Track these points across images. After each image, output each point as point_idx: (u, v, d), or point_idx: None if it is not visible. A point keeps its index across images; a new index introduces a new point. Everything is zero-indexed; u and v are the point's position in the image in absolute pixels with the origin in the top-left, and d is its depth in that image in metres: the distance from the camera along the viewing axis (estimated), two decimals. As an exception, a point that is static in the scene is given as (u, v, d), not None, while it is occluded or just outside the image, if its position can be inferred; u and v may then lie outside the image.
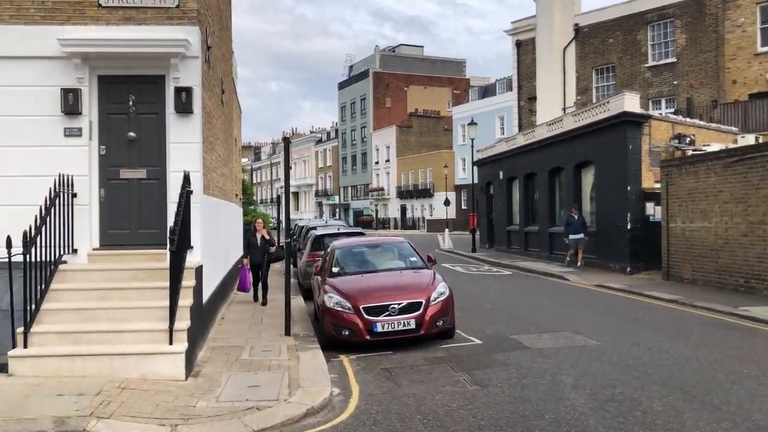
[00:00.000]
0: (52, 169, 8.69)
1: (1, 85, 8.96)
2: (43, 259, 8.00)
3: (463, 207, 61.52)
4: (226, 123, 14.62)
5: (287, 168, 10.70)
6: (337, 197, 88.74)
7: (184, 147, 9.23)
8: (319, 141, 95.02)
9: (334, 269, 11.45)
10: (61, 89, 9.00)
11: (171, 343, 7.68)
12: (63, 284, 8.42)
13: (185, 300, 8.24)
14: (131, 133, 9.33)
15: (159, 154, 9.38)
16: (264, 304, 13.88)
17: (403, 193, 73.25)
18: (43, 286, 8.12)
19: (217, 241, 11.63)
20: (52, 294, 8.20)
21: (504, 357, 9.16)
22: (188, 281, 8.52)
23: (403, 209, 73.84)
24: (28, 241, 7.57)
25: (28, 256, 7.50)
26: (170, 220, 8.41)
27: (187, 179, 8.74)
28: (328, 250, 12.70)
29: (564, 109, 31.35)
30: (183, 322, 7.94)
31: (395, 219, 73.80)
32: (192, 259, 9.07)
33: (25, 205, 8.27)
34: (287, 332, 10.54)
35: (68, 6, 9.07)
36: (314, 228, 21.32)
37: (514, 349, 9.68)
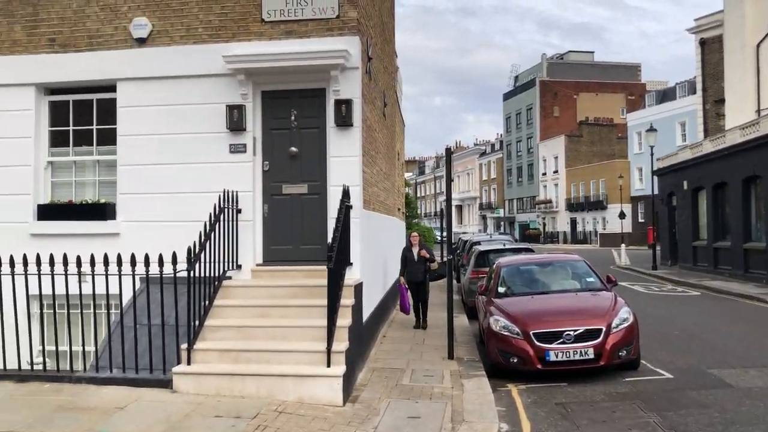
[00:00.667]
0: (217, 186, 8.78)
1: (173, 104, 9.22)
2: (209, 274, 8.01)
3: (640, 220, 57.48)
4: (388, 137, 14.35)
5: (449, 180, 10.09)
6: (501, 210, 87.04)
7: (343, 161, 8.95)
8: (483, 153, 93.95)
9: (500, 289, 10.63)
10: (227, 106, 9.09)
11: (329, 365, 7.31)
12: (226, 300, 8.39)
13: (343, 320, 7.87)
14: (293, 148, 9.21)
15: (320, 169, 9.18)
16: (424, 327, 12.69)
17: (573, 206, 70.09)
18: (207, 303, 8.14)
19: (377, 257, 11.28)
20: (216, 310, 8.19)
21: (702, 396, 7.83)
22: (347, 299, 8.16)
23: (573, 222, 70.62)
24: (193, 258, 7.59)
25: (192, 272, 7.52)
26: (330, 236, 8.11)
27: (346, 194, 8.42)
28: (494, 267, 11.89)
29: (758, 111, 27.98)
30: (341, 343, 7.56)
31: (564, 233, 70.78)
32: (351, 276, 8.73)
33: (192, 221, 8.39)
34: (450, 356, 9.89)
35: (233, 23, 9.16)
36: (478, 243, 20.57)
37: (714, 386, 8.28)
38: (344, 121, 8.90)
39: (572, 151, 72.24)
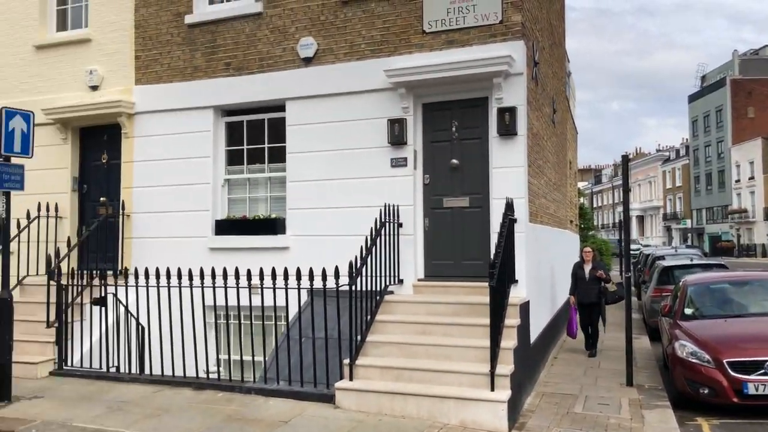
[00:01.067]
0: (379, 200, 8.75)
1: (336, 121, 9.36)
2: (371, 288, 7.97)
3: None
4: (558, 145, 13.63)
5: (626, 190, 9.25)
6: (688, 221, 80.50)
7: (507, 172, 8.52)
8: (667, 160, 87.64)
9: (687, 311, 9.54)
10: (388, 120, 9.04)
11: (492, 389, 6.89)
12: (388, 315, 8.28)
13: (508, 341, 7.43)
14: (454, 160, 8.94)
15: (482, 181, 8.81)
16: (593, 355, 11.29)
17: (773, 215, 63.05)
18: (369, 317, 8.08)
19: (546, 274, 10.64)
20: (377, 325, 8.10)
21: None
22: (511, 319, 7.70)
23: (773, 234, 63.54)
24: (354, 272, 7.57)
25: (354, 286, 7.51)
26: (493, 251, 7.70)
27: (509, 206, 7.99)
28: (680, 285, 10.75)
29: None
30: (506, 366, 7.12)
31: (763, 245, 63.84)
32: (516, 293, 8.25)
33: (357, 234, 8.41)
34: (629, 382, 9.02)
35: (394, 37, 9.11)
36: (661, 258, 18.96)
37: None
38: (507, 129, 8.47)
39: (771, 154, 65.08)
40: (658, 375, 9.93)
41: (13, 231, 9.16)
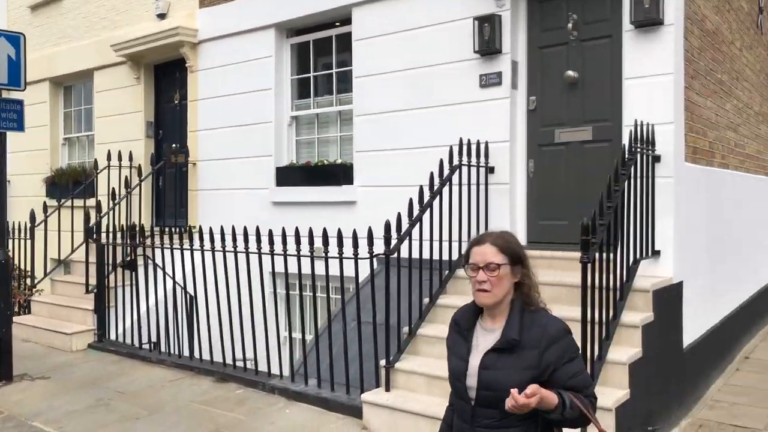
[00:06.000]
0: (465, 134, 6.22)
1: (409, 29, 6.91)
2: (432, 258, 5.60)
3: None
4: (767, 64, 9.76)
5: None
6: None
7: (646, 84, 5.49)
8: None
9: None
10: (474, 19, 6.37)
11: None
12: (457, 298, 5.79)
13: (623, 348, 4.64)
14: (570, 72, 6.07)
15: (612, 102, 5.87)
16: None
17: None
18: (427, 300, 5.70)
19: (730, 241, 7.28)
20: (438, 312, 5.65)
21: None
22: (635, 314, 4.85)
23: None
24: (401, 236, 5.25)
25: (398, 255, 5.21)
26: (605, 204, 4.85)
27: (642, 136, 5.07)
28: None
29: None
30: (606, 396, 4.34)
31: None
32: (655, 271, 5.32)
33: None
34: None
35: None
36: None
37: None
38: (647, 16, 5.42)
39: None
40: None
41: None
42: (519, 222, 6.39)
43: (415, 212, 5.48)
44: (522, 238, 6.38)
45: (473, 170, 6.12)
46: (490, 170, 6.29)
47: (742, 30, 7.84)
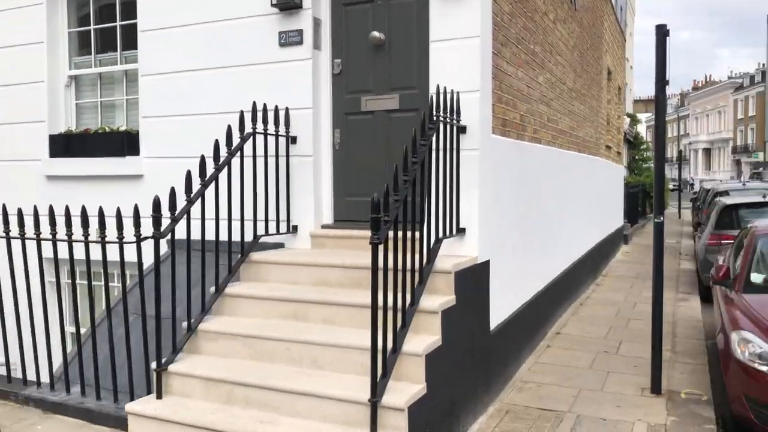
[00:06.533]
0: (265, 99, 5.49)
1: (198, -24, 6.02)
2: (220, 240, 4.85)
3: None
4: (582, 40, 9.92)
5: (661, 66, 5.64)
6: (760, 154, 73.69)
7: (451, 48, 5.06)
8: (740, 87, 79.91)
9: (755, 277, 6.03)
10: (271, -31, 5.64)
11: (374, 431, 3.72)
12: (250, 286, 5.11)
13: (420, 337, 4.19)
14: (376, 33, 5.53)
15: (419, 67, 5.40)
16: None
17: None
18: (213, 288, 4.96)
19: (540, 217, 7.19)
20: (227, 303, 4.96)
21: None
22: (436, 297, 4.43)
23: None
24: (175, 215, 4.44)
25: (172, 238, 4.40)
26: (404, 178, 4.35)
27: (446, 105, 4.62)
28: (746, 234, 7.18)
29: None
30: (406, 386, 3.90)
31: None
32: (461, 251, 4.95)
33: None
34: (655, 389, 5.68)
35: None
36: (724, 193, 15.10)
37: None
38: (453, -26, 4.99)
39: None
40: (706, 368, 6.56)
41: None
42: (325, 198, 5.80)
43: (196, 188, 4.69)
44: (328, 216, 5.81)
45: (272, 140, 5.43)
46: (292, 140, 5.63)
47: (555, 3, 7.75)
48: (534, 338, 6.90)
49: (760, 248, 6.32)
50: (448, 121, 4.69)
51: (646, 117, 71.69)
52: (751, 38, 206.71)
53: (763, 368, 4.72)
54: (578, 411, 5.27)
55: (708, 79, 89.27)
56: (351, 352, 4.18)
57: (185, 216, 4.54)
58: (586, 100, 10.45)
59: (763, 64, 75.32)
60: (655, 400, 5.56)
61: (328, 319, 4.59)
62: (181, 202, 4.51)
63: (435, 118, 4.49)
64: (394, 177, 3.92)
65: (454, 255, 4.84)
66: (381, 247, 3.75)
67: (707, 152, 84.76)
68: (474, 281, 4.94)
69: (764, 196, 11.72)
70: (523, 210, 6.35)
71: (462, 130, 4.93)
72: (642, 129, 46.44)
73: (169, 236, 4.42)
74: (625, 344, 7.35)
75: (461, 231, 4.96)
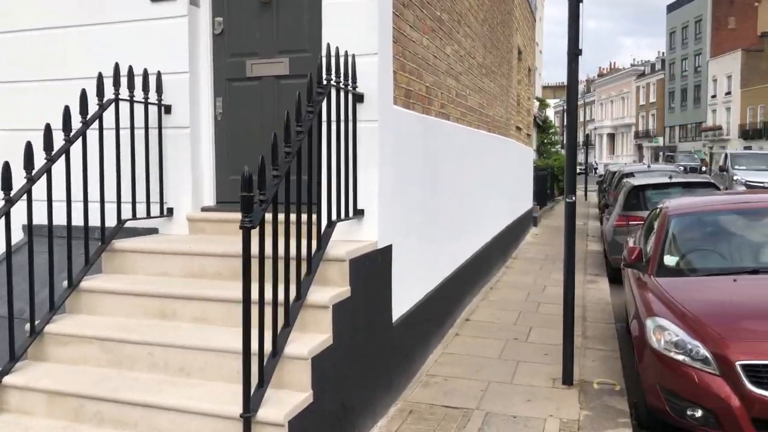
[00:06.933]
0: (135, 63, 4.71)
1: None
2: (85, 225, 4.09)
3: (837, 149, 47.32)
4: (491, 13, 9.53)
5: (574, 33, 5.25)
6: (660, 139, 77.23)
7: (345, 4, 4.46)
8: (642, 74, 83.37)
9: (668, 259, 5.77)
10: None
11: (253, 451, 3.12)
12: (111, 278, 4.37)
13: (304, 339, 3.61)
14: (263, -11, 4.86)
15: (311, 27, 4.77)
16: None
17: (749, 133, 59.80)
18: (66, 283, 4.19)
19: (447, 197, 6.72)
20: (84, 298, 4.21)
21: None
22: (327, 289, 3.85)
23: (748, 152, 60.49)
24: (17, 193, 3.65)
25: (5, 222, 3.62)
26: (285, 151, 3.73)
27: (339, 69, 4.02)
28: (657, 215, 6.96)
29: None
30: (277, 405, 3.30)
31: (736, 164, 60.84)
32: (359, 235, 4.39)
33: (94, 129, 4.34)
34: (567, 379, 5.34)
35: None
36: (630, 175, 15.29)
37: None
38: None
39: (750, 68, 61.07)
40: (617, 354, 6.31)
41: None
42: (206, 176, 5.10)
43: (39, 164, 3.91)
44: (210, 197, 5.12)
45: (140, 109, 4.68)
46: (166, 110, 4.90)
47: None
48: (442, 326, 6.46)
49: (672, 229, 6.08)
50: (342, 86, 4.10)
51: (554, 102, 73.57)
52: (652, 28, 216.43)
53: (680, 357, 4.41)
54: (487, 408, 4.85)
55: (612, 67, 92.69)
56: (225, 356, 3.55)
57: (26, 196, 3.76)
58: (496, 78, 10.10)
59: (663, 53, 78.74)
60: (567, 392, 5.22)
61: (201, 317, 3.93)
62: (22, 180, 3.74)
63: (326, 82, 3.88)
64: (272, 148, 3.30)
65: (351, 240, 4.28)
66: (256, 232, 3.12)
67: (611, 137, 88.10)
68: (373, 269, 4.40)
69: (669, 177, 11.79)
70: (429, 189, 5.85)
71: (359, 98, 4.35)
72: (551, 114, 47.42)
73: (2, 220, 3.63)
74: (536, 330, 7.03)
75: (359, 213, 4.39)
